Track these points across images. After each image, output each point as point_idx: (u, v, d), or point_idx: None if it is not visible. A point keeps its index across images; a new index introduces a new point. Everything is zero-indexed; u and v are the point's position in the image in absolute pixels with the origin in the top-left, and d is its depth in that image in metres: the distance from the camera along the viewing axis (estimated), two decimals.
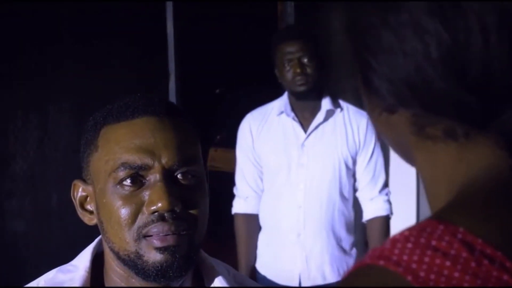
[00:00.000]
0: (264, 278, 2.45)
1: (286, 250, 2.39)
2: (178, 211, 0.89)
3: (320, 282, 2.37)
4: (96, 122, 0.96)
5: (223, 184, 3.02)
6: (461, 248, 0.52)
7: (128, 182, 0.90)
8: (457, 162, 0.61)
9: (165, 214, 0.88)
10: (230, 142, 3.33)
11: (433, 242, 0.53)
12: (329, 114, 2.38)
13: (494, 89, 0.57)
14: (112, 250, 0.93)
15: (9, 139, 3.23)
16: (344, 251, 2.41)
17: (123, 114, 0.93)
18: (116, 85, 3.57)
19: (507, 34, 0.56)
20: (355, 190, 2.45)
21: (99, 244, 1.01)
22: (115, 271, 0.96)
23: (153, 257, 0.89)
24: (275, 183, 2.41)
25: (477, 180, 0.59)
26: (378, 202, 2.42)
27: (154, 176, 0.90)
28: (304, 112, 2.40)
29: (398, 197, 2.59)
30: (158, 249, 0.89)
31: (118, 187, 0.90)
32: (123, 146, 0.91)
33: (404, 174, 3.26)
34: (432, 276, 0.51)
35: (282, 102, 2.43)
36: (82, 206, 0.98)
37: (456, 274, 0.51)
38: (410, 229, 0.55)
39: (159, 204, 0.88)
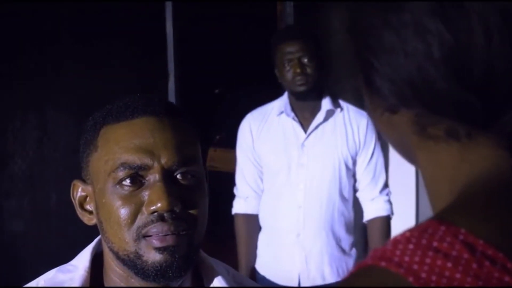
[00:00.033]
0: (263, 278, 2.45)
1: (285, 250, 2.38)
2: (177, 211, 0.89)
3: (319, 282, 2.37)
4: (96, 122, 0.96)
5: (223, 184, 3.02)
6: (463, 249, 0.52)
7: (127, 182, 0.90)
8: (458, 162, 0.61)
9: (165, 214, 0.88)
10: (229, 142, 3.33)
11: (435, 243, 0.53)
12: (329, 114, 2.38)
13: (496, 90, 0.57)
14: (111, 250, 0.93)
15: (8, 139, 3.23)
16: (343, 251, 2.41)
17: (122, 114, 0.93)
18: (116, 85, 3.57)
19: (509, 35, 0.56)
20: (355, 190, 2.45)
21: (99, 244, 1.01)
22: (114, 271, 0.96)
23: (153, 257, 0.89)
24: (275, 183, 2.41)
25: (479, 180, 0.59)
26: (379, 202, 2.42)
27: (153, 176, 0.90)
28: (304, 112, 2.40)
29: (397, 197, 2.59)
30: (158, 249, 0.88)
31: (118, 187, 0.90)
32: (123, 146, 0.91)
33: (404, 174, 3.27)
34: (434, 278, 0.51)
35: (282, 102, 2.43)
36: (82, 206, 0.98)
37: (458, 276, 0.51)
38: (411, 230, 0.55)
39: (159, 204, 0.88)
